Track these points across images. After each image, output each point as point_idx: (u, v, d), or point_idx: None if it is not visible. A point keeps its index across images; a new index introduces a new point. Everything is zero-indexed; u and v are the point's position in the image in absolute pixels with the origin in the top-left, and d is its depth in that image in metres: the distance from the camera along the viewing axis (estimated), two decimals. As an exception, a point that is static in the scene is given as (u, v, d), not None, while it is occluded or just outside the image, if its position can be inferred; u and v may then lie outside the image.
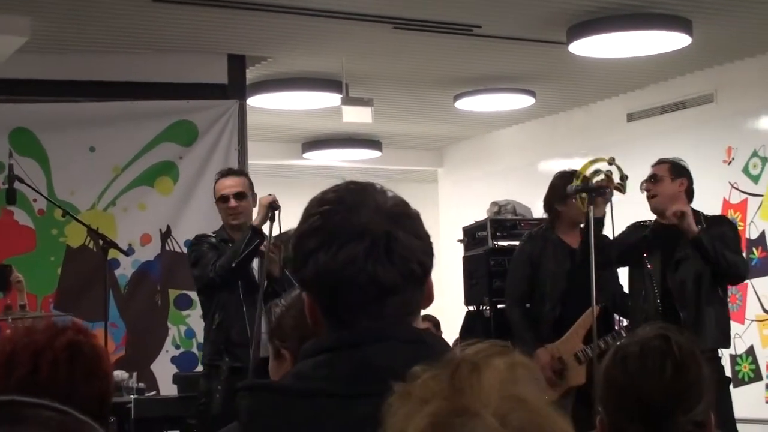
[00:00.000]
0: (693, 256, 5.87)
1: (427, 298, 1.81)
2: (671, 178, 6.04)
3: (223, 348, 5.89)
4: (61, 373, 2.27)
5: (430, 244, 1.80)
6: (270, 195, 5.87)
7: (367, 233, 1.72)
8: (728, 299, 6.14)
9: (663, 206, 5.99)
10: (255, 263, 5.96)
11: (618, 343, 2.55)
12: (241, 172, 6.43)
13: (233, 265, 5.78)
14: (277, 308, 2.69)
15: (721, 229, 6.01)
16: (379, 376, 1.63)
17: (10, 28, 7.08)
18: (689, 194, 6.05)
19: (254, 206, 6.02)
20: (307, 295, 1.80)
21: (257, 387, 1.79)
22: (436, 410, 1.07)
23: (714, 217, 6.18)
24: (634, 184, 6.13)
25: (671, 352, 2.40)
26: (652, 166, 6.16)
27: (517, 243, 7.20)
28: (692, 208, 5.97)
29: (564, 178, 6.29)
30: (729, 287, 6.25)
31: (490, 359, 1.12)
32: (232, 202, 5.97)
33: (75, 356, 2.29)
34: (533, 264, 6.43)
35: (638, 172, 6.27)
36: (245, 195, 6.03)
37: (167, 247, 7.76)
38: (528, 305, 6.47)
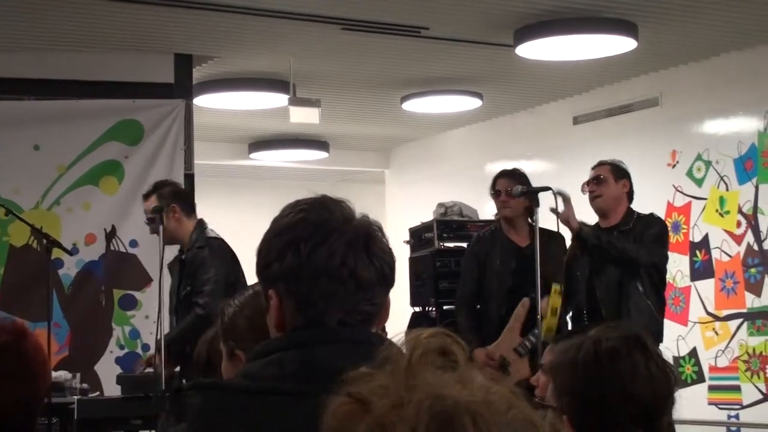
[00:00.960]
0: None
1: (386, 313, 1.85)
2: (614, 179, 6.12)
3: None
4: None
5: (394, 255, 1.86)
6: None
7: (348, 229, 1.78)
8: (661, 298, 6.15)
9: (607, 207, 6.09)
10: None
11: (587, 340, 2.43)
12: (152, 191, 6.21)
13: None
14: (229, 308, 2.66)
15: (646, 222, 6.09)
16: (328, 376, 1.64)
17: (-47, 24, 6.99)
18: (630, 196, 6.16)
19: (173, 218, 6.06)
20: (276, 293, 1.80)
21: (206, 386, 1.79)
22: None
23: (643, 215, 6.22)
24: (577, 186, 6.21)
25: (653, 354, 2.39)
26: (593, 168, 6.24)
27: (464, 244, 7.24)
28: (629, 207, 6.11)
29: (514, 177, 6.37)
30: (666, 289, 6.30)
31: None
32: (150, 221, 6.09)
33: None
34: (480, 264, 6.46)
35: (583, 174, 6.32)
36: (158, 211, 5.99)
37: (112, 247, 7.70)
38: (478, 306, 6.51)
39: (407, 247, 7.94)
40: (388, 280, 1.81)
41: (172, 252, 6.25)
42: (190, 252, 6.04)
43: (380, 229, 1.85)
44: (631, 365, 2.35)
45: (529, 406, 1.08)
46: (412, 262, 7.79)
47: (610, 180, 6.11)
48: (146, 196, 6.15)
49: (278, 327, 1.81)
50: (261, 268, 1.82)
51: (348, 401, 1.13)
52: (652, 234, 6.05)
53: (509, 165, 6.95)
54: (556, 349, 2.50)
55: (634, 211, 6.16)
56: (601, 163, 6.25)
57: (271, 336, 1.83)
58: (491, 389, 1.08)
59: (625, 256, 5.94)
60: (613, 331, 2.45)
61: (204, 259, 5.98)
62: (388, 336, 1.84)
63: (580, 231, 5.95)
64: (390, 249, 1.83)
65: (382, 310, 1.83)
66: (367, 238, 1.78)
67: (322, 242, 1.75)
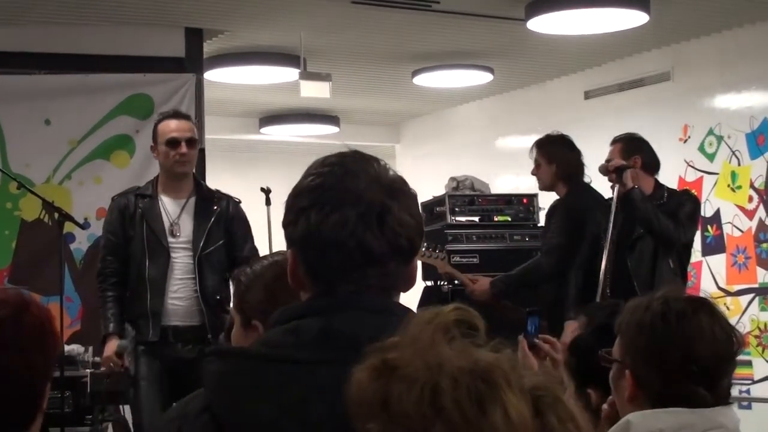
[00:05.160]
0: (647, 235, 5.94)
1: (409, 280, 1.83)
2: (624, 158, 6.07)
3: (126, 320, 5.64)
4: None
5: (422, 225, 1.82)
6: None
7: (363, 200, 1.74)
8: (685, 275, 6.18)
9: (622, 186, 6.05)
10: (167, 222, 5.63)
11: (655, 300, 2.49)
12: (190, 117, 5.95)
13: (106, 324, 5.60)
14: (243, 277, 2.65)
15: (680, 200, 6.07)
16: (344, 344, 1.65)
17: (-36, -2, 6.99)
18: (648, 167, 6.08)
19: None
20: (292, 254, 1.80)
21: (225, 352, 1.79)
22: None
23: (675, 191, 6.22)
24: (593, 164, 6.20)
25: (719, 317, 2.46)
26: (610, 145, 6.21)
27: (475, 218, 7.30)
28: (657, 181, 6.06)
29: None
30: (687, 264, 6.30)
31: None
32: (183, 148, 5.55)
33: None
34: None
35: (595, 149, 6.32)
36: (196, 143, 5.66)
37: (123, 221, 7.70)
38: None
39: (418, 222, 7.94)
40: (405, 252, 1.77)
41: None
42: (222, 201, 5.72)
43: (408, 194, 1.80)
44: (697, 326, 2.41)
45: (547, 376, 1.22)
46: (425, 236, 7.79)
47: (617, 161, 6.06)
48: (185, 117, 5.80)
49: (294, 284, 1.82)
50: (283, 227, 1.82)
51: (380, 371, 1.18)
52: (687, 211, 6.02)
53: (520, 140, 6.94)
54: (625, 307, 2.55)
55: (663, 186, 6.12)
56: (613, 141, 6.22)
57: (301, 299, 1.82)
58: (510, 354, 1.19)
59: (665, 233, 5.91)
60: (678, 293, 2.53)
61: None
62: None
63: (632, 191, 5.86)
64: (413, 219, 1.78)
65: (400, 280, 1.81)
66: (383, 209, 1.74)
67: (334, 211, 1.73)
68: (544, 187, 6.42)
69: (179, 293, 5.55)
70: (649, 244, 5.97)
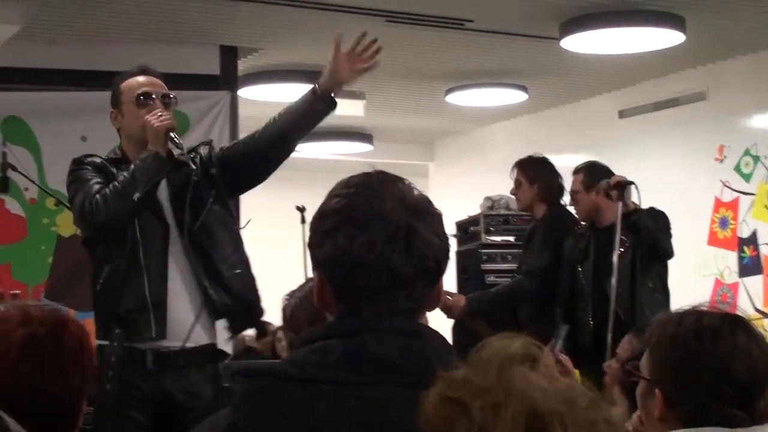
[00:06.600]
0: (625, 254, 5.88)
1: (435, 301, 1.82)
2: (585, 191, 6.12)
3: (111, 319, 4.22)
4: (9, 367, 2.22)
5: (448, 245, 1.82)
6: (159, 115, 4.24)
7: (389, 221, 1.73)
8: (667, 292, 6.09)
9: (587, 216, 6.17)
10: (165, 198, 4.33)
11: (687, 316, 2.36)
12: (160, 74, 4.62)
13: (137, 196, 4.09)
14: (291, 299, 2.66)
15: (654, 214, 6.04)
16: (371, 366, 1.64)
17: (3, 16, 7.05)
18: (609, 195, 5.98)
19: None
20: (318, 276, 1.80)
21: (252, 371, 1.78)
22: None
23: (643, 208, 6.15)
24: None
25: (755, 335, 2.34)
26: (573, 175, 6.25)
27: (510, 238, 7.29)
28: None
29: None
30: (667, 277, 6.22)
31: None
32: (157, 103, 4.35)
33: (29, 351, 2.25)
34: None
35: (629, 169, 6.29)
36: (171, 102, 4.44)
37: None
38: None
39: (454, 241, 7.94)
40: (431, 273, 1.77)
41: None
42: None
43: (434, 214, 1.80)
44: (732, 344, 2.29)
45: (604, 404, 1.20)
46: (459, 255, 7.79)
47: (580, 192, 6.12)
48: (155, 74, 4.66)
49: (320, 305, 1.81)
50: (309, 248, 1.81)
51: (446, 403, 1.19)
52: (666, 224, 6.02)
53: (555, 159, 6.93)
54: (653, 321, 2.45)
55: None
56: (575, 171, 6.24)
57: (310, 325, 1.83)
58: (572, 388, 1.19)
59: (668, 252, 5.91)
60: (712, 308, 2.40)
61: None
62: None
63: (636, 211, 5.85)
64: (439, 239, 1.78)
65: (426, 300, 1.80)
66: (411, 231, 1.74)
67: (361, 233, 1.73)
68: (523, 206, 6.55)
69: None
70: (626, 267, 5.91)
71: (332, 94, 4.41)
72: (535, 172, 6.39)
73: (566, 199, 6.45)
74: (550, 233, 6.26)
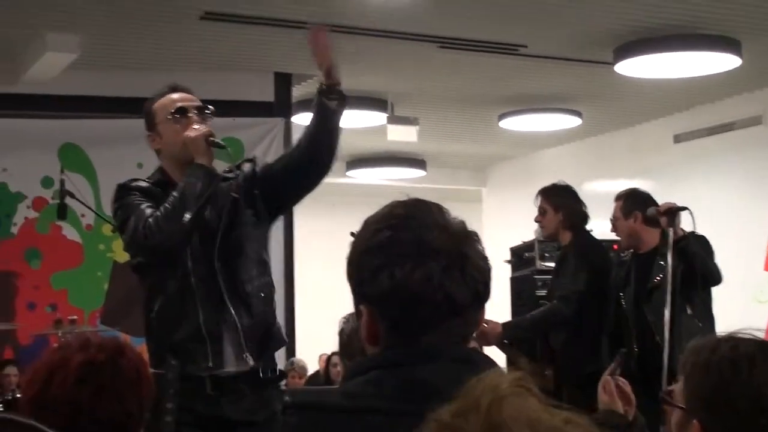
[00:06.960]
0: (664, 281, 5.80)
1: (479, 324, 1.83)
2: (624, 217, 6.07)
3: (166, 349, 3.99)
4: (68, 392, 2.26)
5: (491, 266, 1.82)
6: (197, 128, 4.17)
7: (443, 251, 1.73)
8: (711, 317, 6.01)
9: (629, 245, 6.10)
10: None
11: (722, 342, 2.27)
12: (190, 89, 4.50)
13: (187, 217, 3.96)
14: (347, 325, 2.66)
15: (700, 240, 5.94)
16: (426, 395, 1.64)
17: (61, 45, 7.16)
18: (651, 221, 5.88)
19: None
20: (369, 311, 1.79)
21: (306, 404, 1.78)
22: None
23: (689, 233, 6.07)
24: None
25: None
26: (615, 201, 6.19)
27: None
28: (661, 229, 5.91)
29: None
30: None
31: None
32: (194, 116, 4.26)
33: (87, 376, 2.28)
34: None
35: (684, 194, 6.24)
36: (207, 114, 4.37)
37: (212, 264, 7.77)
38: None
39: (505, 266, 7.91)
40: (482, 298, 1.78)
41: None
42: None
43: (476, 239, 1.81)
44: None
45: None
46: (513, 281, 7.76)
47: (619, 219, 6.06)
48: (188, 91, 4.58)
49: (370, 341, 1.79)
50: (353, 285, 1.80)
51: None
52: (710, 249, 5.94)
53: (609, 184, 6.90)
54: (688, 348, 2.39)
55: (665, 232, 6.01)
56: (616, 198, 6.19)
57: (366, 351, 1.81)
58: (570, 422, 1.13)
59: (717, 279, 5.84)
60: (747, 334, 2.30)
61: None
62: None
63: (685, 237, 5.79)
64: (485, 263, 1.79)
65: (475, 325, 1.81)
66: (464, 258, 1.75)
67: (418, 266, 1.72)
68: (547, 234, 6.49)
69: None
70: (664, 294, 5.84)
71: (338, 87, 4.37)
72: (559, 199, 6.38)
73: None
74: (582, 258, 6.22)
